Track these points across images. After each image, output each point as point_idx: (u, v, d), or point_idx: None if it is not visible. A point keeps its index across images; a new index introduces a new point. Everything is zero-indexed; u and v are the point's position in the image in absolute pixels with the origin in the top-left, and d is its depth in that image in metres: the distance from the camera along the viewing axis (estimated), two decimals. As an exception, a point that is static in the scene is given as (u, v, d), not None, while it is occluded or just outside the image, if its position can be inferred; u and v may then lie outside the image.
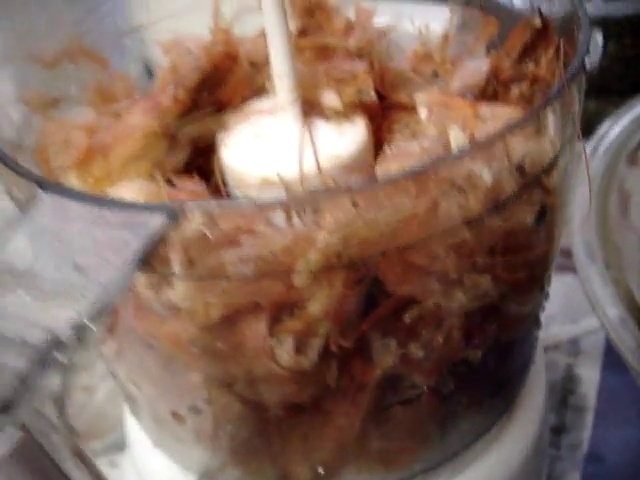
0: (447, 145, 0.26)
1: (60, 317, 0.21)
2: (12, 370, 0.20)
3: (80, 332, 0.21)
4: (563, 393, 0.50)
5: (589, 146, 0.50)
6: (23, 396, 0.20)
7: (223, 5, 0.37)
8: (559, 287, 0.40)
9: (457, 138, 0.26)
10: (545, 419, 0.38)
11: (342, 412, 0.29)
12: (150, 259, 0.23)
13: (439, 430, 0.32)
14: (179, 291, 0.25)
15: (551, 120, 0.25)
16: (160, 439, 0.35)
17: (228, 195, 0.31)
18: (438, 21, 0.39)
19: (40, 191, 0.24)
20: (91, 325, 0.21)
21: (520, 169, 0.25)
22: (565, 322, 0.53)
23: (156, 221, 0.22)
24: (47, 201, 0.24)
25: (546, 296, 0.33)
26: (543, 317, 0.35)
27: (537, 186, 0.26)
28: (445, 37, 0.34)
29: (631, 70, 0.60)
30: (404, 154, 0.25)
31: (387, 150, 0.26)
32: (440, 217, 0.24)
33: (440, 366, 0.28)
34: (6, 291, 0.22)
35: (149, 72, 0.39)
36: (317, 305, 0.24)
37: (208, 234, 0.23)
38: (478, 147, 0.23)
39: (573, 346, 0.53)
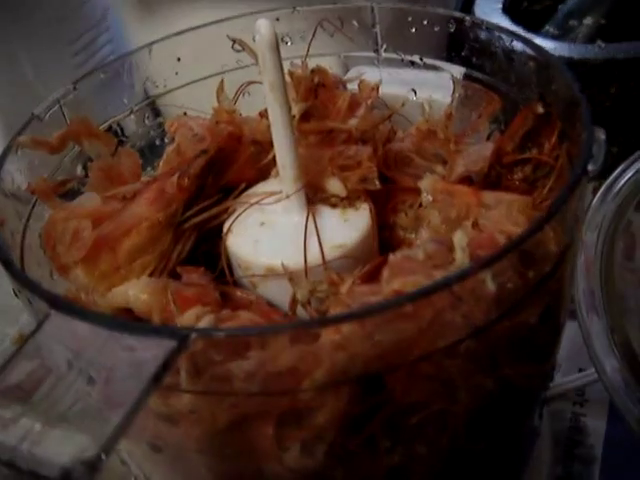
0: (451, 247, 0.26)
1: (71, 448, 0.21)
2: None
3: (92, 465, 0.20)
4: (570, 444, 0.50)
5: (600, 191, 0.50)
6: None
7: (228, 79, 0.38)
8: (566, 334, 0.40)
9: (460, 241, 0.26)
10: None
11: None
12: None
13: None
14: (186, 401, 0.25)
15: (555, 226, 0.25)
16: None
17: (235, 282, 0.31)
18: (440, 90, 0.39)
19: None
20: (104, 457, 0.20)
21: (523, 274, 0.25)
22: (571, 370, 0.53)
23: (168, 345, 0.22)
24: (58, 318, 0.24)
25: (551, 378, 0.33)
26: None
27: (541, 288, 0.26)
28: (448, 114, 0.34)
29: (635, 111, 0.60)
30: (408, 266, 0.25)
31: (392, 258, 0.26)
32: (445, 329, 0.24)
33: (445, 458, 0.29)
34: (15, 415, 0.22)
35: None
36: (323, 416, 0.24)
37: (214, 356, 0.23)
38: (482, 266, 0.23)
39: (580, 394, 0.52)
